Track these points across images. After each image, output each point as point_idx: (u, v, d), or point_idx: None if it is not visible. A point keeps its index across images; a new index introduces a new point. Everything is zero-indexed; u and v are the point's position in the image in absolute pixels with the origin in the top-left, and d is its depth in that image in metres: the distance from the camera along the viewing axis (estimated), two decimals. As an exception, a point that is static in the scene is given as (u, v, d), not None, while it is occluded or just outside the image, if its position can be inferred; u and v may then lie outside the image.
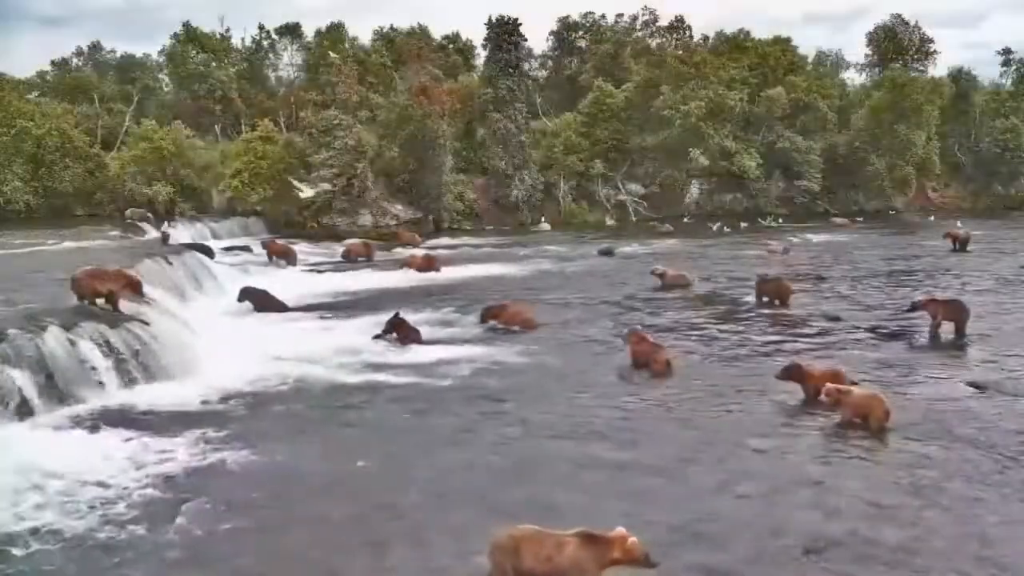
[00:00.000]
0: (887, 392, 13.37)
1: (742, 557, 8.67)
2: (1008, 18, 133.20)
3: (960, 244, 35.87)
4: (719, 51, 57.15)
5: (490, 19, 52.04)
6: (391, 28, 62.01)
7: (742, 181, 54.13)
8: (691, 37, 64.67)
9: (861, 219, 51.78)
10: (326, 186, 41.62)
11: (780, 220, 50.58)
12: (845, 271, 30.26)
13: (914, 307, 19.42)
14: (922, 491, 10.25)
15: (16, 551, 8.77)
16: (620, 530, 7.82)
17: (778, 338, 18.86)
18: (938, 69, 64.80)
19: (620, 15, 67.69)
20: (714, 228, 46.28)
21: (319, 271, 31.10)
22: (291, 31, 63.40)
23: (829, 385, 13.12)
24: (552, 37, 66.98)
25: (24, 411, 12.33)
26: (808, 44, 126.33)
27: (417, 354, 17.27)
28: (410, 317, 19.17)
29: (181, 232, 35.72)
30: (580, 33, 67.10)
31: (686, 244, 40.12)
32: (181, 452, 11.52)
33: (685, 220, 51.57)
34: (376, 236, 40.26)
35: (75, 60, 65.79)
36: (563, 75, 65.50)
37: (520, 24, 52.32)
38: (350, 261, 33.18)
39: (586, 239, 42.41)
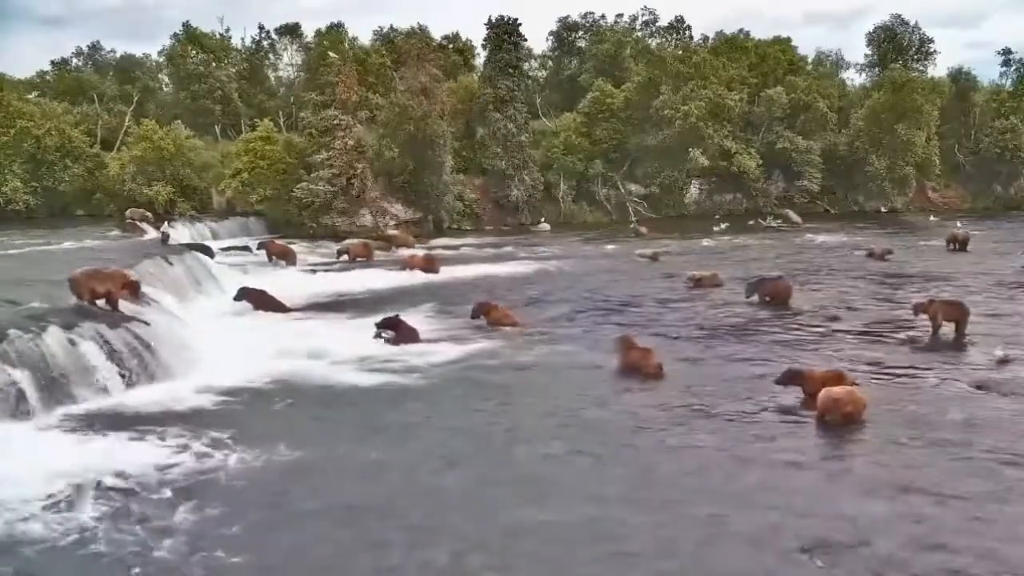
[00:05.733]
0: (864, 387, 13.44)
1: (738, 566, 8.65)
2: (1008, 18, 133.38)
3: (960, 244, 35.87)
4: (719, 51, 57.10)
5: (490, 19, 52.12)
6: (391, 28, 61.89)
7: (742, 181, 54.08)
8: (691, 37, 64.83)
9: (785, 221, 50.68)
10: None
11: (779, 220, 50.40)
12: (844, 271, 30.24)
13: (917, 310, 19.37)
14: (924, 492, 10.24)
15: (16, 551, 8.77)
16: None
17: (777, 339, 18.85)
18: (938, 69, 64.83)
19: (620, 15, 67.76)
20: (719, 228, 45.99)
21: (318, 271, 31.04)
22: (291, 31, 63.30)
23: (797, 389, 13.08)
24: (552, 37, 66.86)
25: (24, 411, 12.33)
26: (808, 44, 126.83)
27: (416, 354, 17.25)
28: (409, 317, 19.17)
29: (181, 232, 35.70)
30: (580, 33, 66.99)
31: (688, 245, 40.06)
32: (181, 452, 11.53)
33: (716, 218, 50.60)
34: (375, 238, 39.83)
35: (75, 60, 65.66)
36: (563, 75, 65.40)
37: (520, 24, 52.35)
38: (349, 261, 33.17)
39: (584, 239, 42.35)
